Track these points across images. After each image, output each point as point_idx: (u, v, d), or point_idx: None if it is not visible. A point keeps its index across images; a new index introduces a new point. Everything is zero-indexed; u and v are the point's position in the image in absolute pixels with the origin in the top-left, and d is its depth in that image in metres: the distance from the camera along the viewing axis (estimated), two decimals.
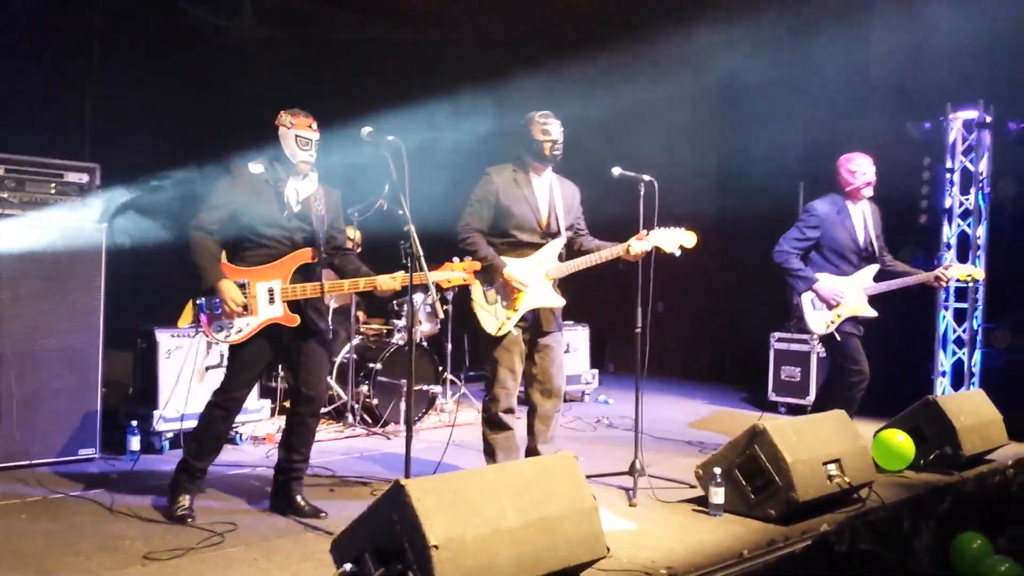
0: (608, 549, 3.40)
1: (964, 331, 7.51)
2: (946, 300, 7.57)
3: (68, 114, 6.74)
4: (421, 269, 3.66)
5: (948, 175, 7.44)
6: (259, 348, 4.14)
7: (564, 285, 7.14)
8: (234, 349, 4.19)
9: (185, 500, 4.11)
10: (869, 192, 5.61)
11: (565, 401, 7.86)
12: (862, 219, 5.63)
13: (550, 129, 4.65)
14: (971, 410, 5.63)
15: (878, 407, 5.97)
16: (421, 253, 3.66)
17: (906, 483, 5.18)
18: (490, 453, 4.65)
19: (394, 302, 6.86)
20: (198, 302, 4.09)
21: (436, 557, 2.83)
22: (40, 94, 6.64)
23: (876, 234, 5.67)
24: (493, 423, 4.67)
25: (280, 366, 4.37)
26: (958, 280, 5.81)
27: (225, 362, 4.30)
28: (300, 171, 4.14)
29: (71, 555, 3.57)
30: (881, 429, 5.54)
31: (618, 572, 3.52)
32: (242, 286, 4.06)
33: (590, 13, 9.13)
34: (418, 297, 6.80)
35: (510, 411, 4.68)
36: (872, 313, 5.55)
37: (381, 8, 8.62)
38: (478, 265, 4.34)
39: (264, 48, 8.10)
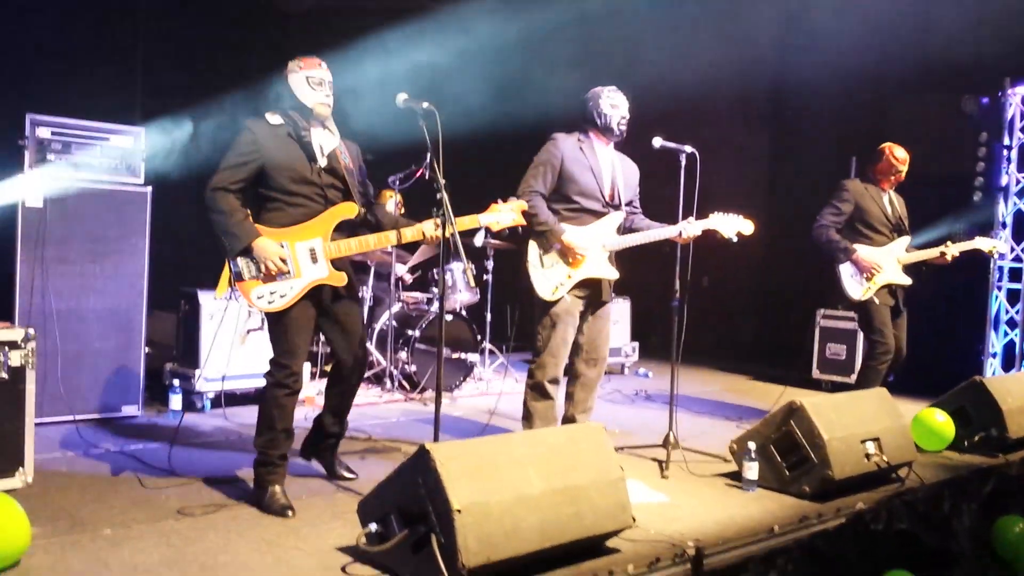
0: (634, 519, 3.39)
1: (1017, 312, 7.31)
2: (1000, 280, 7.38)
3: (116, 79, 6.80)
4: (455, 240, 3.61)
5: (1005, 152, 7.22)
6: (305, 312, 3.81)
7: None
8: (279, 316, 3.77)
9: (277, 491, 3.73)
10: (895, 184, 5.84)
11: (605, 373, 7.93)
12: (889, 201, 5.84)
13: (618, 103, 4.65)
14: (1019, 392, 5.48)
15: (926, 387, 5.87)
16: (454, 221, 3.62)
17: (948, 464, 5.07)
18: (528, 419, 4.64)
19: (434, 270, 6.87)
20: (234, 269, 3.72)
21: (459, 521, 2.84)
22: (88, 59, 6.70)
23: (905, 217, 5.85)
24: (537, 390, 4.64)
25: (322, 330, 4.04)
26: (988, 254, 5.88)
27: (267, 333, 3.89)
28: (319, 116, 3.85)
29: (105, 508, 3.65)
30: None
31: (645, 543, 3.50)
32: (280, 247, 3.73)
33: None
34: (458, 266, 6.83)
35: (555, 381, 4.66)
36: (907, 280, 5.75)
37: None
38: (525, 205, 4.27)
39: (310, 16, 8.09)
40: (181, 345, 5.78)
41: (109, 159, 5.21)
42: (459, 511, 2.85)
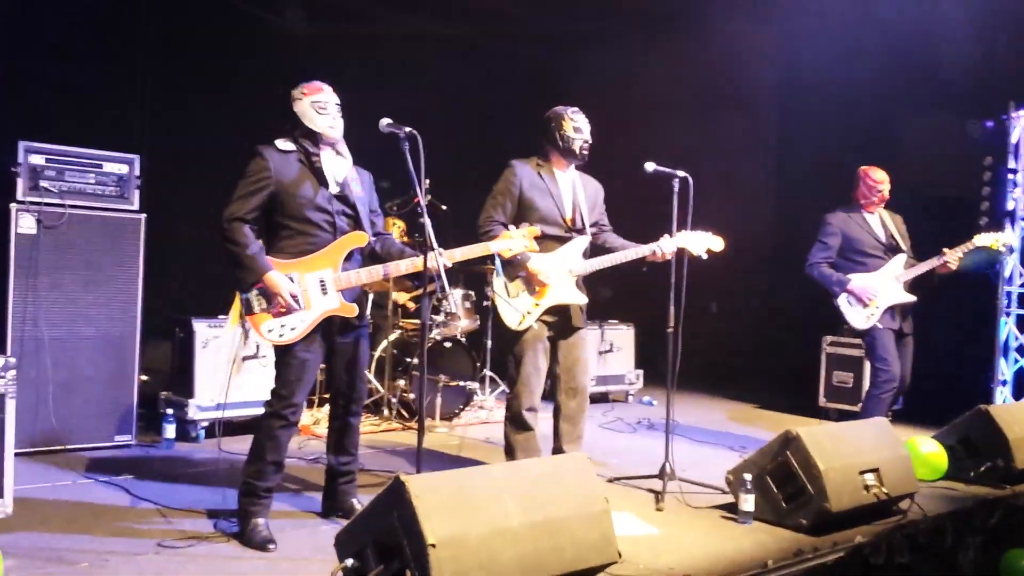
0: (620, 554, 3.30)
1: None
2: (1008, 306, 7.25)
3: (114, 107, 6.83)
4: (437, 261, 3.56)
5: (1011, 176, 7.12)
6: (314, 344, 3.77)
7: (610, 282, 7.05)
8: (287, 349, 3.73)
9: (260, 524, 3.68)
10: (882, 205, 5.81)
11: (608, 401, 7.86)
12: (879, 222, 5.80)
13: (581, 126, 4.60)
14: None
15: (936, 416, 5.75)
16: (435, 244, 3.58)
17: (953, 495, 4.95)
18: (510, 452, 4.59)
19: (435, 296, 6.82)
20: (244, 298, 3.69)
21: (433, 555, 2.77)
22: (87, 86, 6.73)
23: (901, 235, 5.79)
24: (515, 422, 4.60)
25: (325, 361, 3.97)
26: (992, 249, 5.73)
27: (266, 361, 3.90)
28: (328, 140, 3.82)
29: (86, 540, 3.59)
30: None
31: None
32: (290, 280, 3.71)
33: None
34: (457, 293, 6.79)
35: (533, 410, 4.61)
36: (910, 298, 5.68)
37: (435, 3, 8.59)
38: (537, 231, 4.22)
39: (313, 43, 8.13)
40: (175, 373, 5.74)
41: (103, 186, 5.21)
42: (433, 545, 2.77)
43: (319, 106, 3.80)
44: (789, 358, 9.34)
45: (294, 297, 3.69)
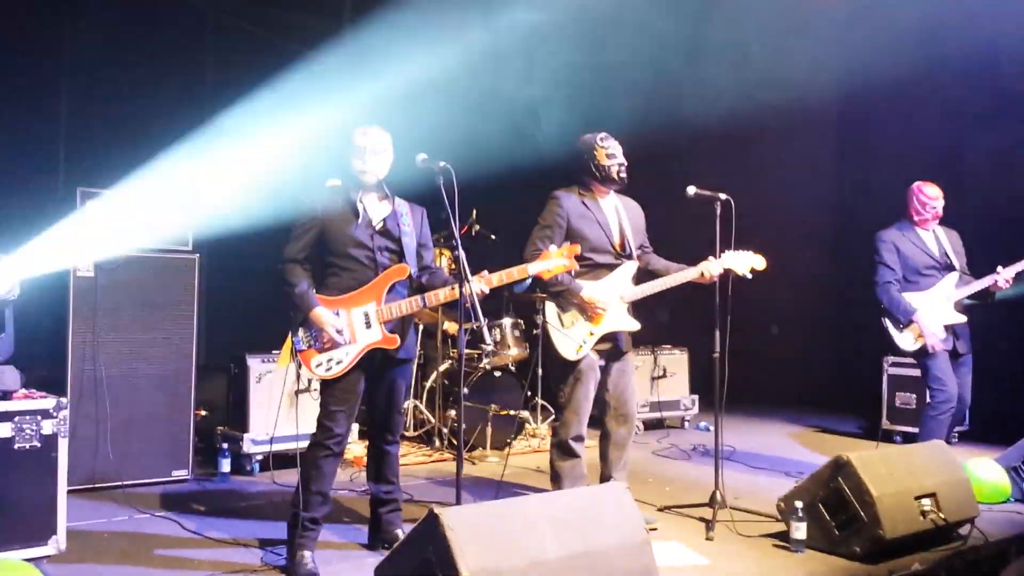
0: None
1: None
2: None
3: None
4: (471, 294, 3.60)
5: None
6: (356, 376, 3.90)
7: (664, 306, 6.99)
8: (333, 381, 3.88)
9: (306, 556, 3.75)
10: (936, 222, 5.64)
11: (663, 427, 7.77)
12: (934, 239, 5.63)
13: (614, 152, 4.59)
14: None
15: (1005, 436, 5.56)
16: (470, 276, 3.62)
17: (1017, 519, 4.78)
18: (556, 480, 4.56)
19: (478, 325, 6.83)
20: (294, 339, 3.87)
21: None
22: (144, 127, 6.94)
23: (955, 251, 5.63)
24: (562, 449, 4.58)
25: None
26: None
27: (317, 394, 4.05)
28: (364, 183, 3.93)
29: (139, 572, 3.69)
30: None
31: None
32: (336, 315, 3.85)
33: None
34: (507, 322, 6.80)
35: (580, 439, 4.58)
36: (961, 319, 5.48)
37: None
38: (577, 249, 4.21)
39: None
40: (230, 408, 5.86)
41: (158, 227, 5.36)
42: None
43: (358, 149, 3.91)
44: (852, 380, 9.14)
45: (339, 332, 3.81)
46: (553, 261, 4.06)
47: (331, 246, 3.91)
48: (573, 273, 4.47)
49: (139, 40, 7.11)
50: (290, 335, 3.88)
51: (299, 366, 3.87)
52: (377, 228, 3.95)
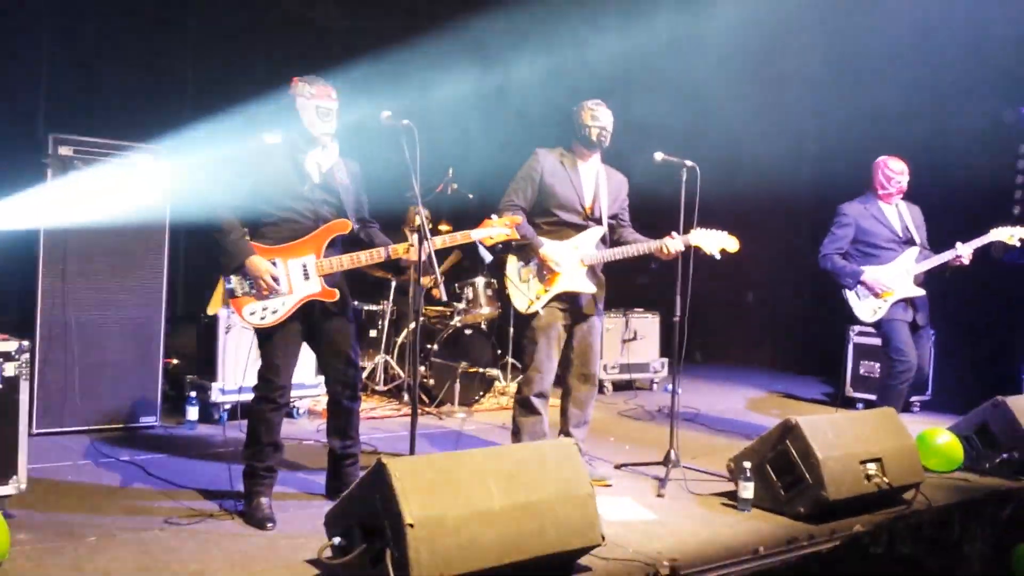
0: (603, 537, 3.35)
1: None
2: None
3: (143, 98, 7.00)
4: (429, 248, 3.67)
5: None
6: (295, 328, 3.91)
7: (642, 271, 7.05)
8: (268, 332, 3.87)
9: (263, 503, 3.82)
10: (899, 197, 5.71)
11: (632, 388, 7.89)
12: (896, 214, 5.71)
13: (599, 115, 4.63)
14: None
15: (964, 406, 5.69)
16: (428, 234, 3.68)
17: (963, 486, 4.91)
18: (516, 435, 4.66)
19: (456, 284, 6.91)
20: (227, 286, 3.84)
21: (411, 535, 2.85)
22: (115, 75, 6.91)
23: (917, 226, 5.71)
24: (524, 405, 4.66)
25: (310, 346, 4.10)
26: (1008, 244, 5.53)
27: (257, 347, 3.96)
28: (320, 143, 3.92)
29: (97, 516, 3.77)
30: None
31: (619, 562, 3.47)
32: (273, 264, 3.83)
33: None
34: (480, 281, 6.88)
35: (542, 396, 4.67)
36: (919, 292, 5.59)
37: None
38: (519, 219, 4.30)
39: (347, 36, 8.24)
40: (200, 357, 5.92)
41: (130, 176, 5.38)
42: (411, 525, 2.86)
43: (322, 111, 3.89)
44: (820, 347, 9.28)
45: (276, 280, 3.82)
46: (495, 229, 4.13)
47: (267, 197, 3.89)
48: (538, 230, 4.57)
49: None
50: (222, 280, 3.87)
51: (230, 312, 3.86)
52: (317, 182, 3.95)
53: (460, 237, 4.12)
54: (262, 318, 3.85)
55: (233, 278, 3.85)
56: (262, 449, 3.88)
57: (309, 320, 3.97)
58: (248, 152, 3.91)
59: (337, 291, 3.95)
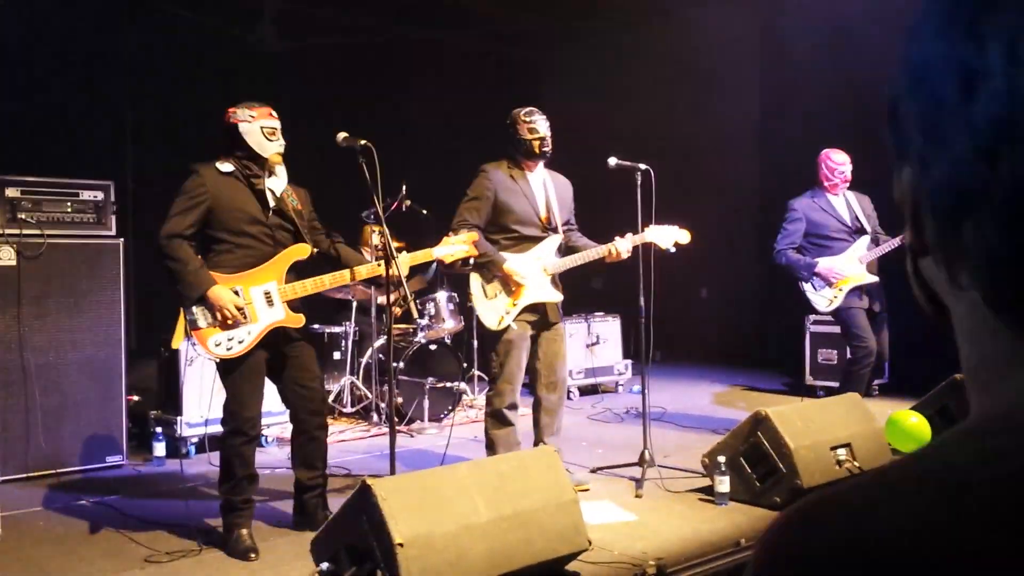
0: (590, 542, 3.39)
1: None
2: None
3: (85, 131, 6.92)
4: (396, 264, 3.66)
5: None
6: (260, 357, 3.83)
7: (598, 274, 7.03)
8: (235, 363, 3.79)
9: (244, 534, 3.76)
10: (846, 186, 5.86)
11: (598, 393, 7.94)
12: (845, 204, 5.87)
13: (537, 127, 4.65)
14: None
15: (922, 388, 5.83)
16: (394, 251, 3.68)
17: None
18: (491, 448, 4.67)
19: (417, 301, 6.90)
20: (188, 317, 3.73)
21: (402, 555, 2.86)
22: (59, 110, 6.82)
23: (867, 215, 5.85)
24: (497, 417, 4.68)
25: (270, 376, 4.01)
26: None
27: (220, 380, 3.88)
28: (273, 164, 3.86)
29: (75, 560, 3.71)
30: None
31: (607, 564, 3.51)
32: (235, 293, 3.76)
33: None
34: (442, 295, 6.88)
35: (514, 407, 4.69)
36: (873, 279, 5.76)
37: (406, 9, 8.65)
38: (476, 235, 4.33)
39: (285, 58, 8.22)
40: (163, 392, 5.84)
41: (80, 213, 5.30)
42: (401, 545, 2.87)
43: (268, 131, 3.86)
44: (778, 339, 9.44)
45: (240, 310, 3.74)
46: (456, 247, 4.16)
47: (223, 224, 3.81)
48: (498, 246, 4.59)
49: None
50: (183, 312, 3.76)
51: (193, 344, 3.78)
52: (272, 207, 3.90)
53: (421, 255, 4.12)
54: (228, 348, 3.77)
55: (195, 309, 3.74)
56: (239, 483, 3.83)
57: (275, 347, 3.92)
58: (203, 181, 3.82)
59: (303, 316, 3.92)
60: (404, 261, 3.92)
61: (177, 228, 3.75)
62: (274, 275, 3.87)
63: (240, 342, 3.78)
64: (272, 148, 3.87)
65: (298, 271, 3.98)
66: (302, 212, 4.03)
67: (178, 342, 3.91)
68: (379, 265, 3.89)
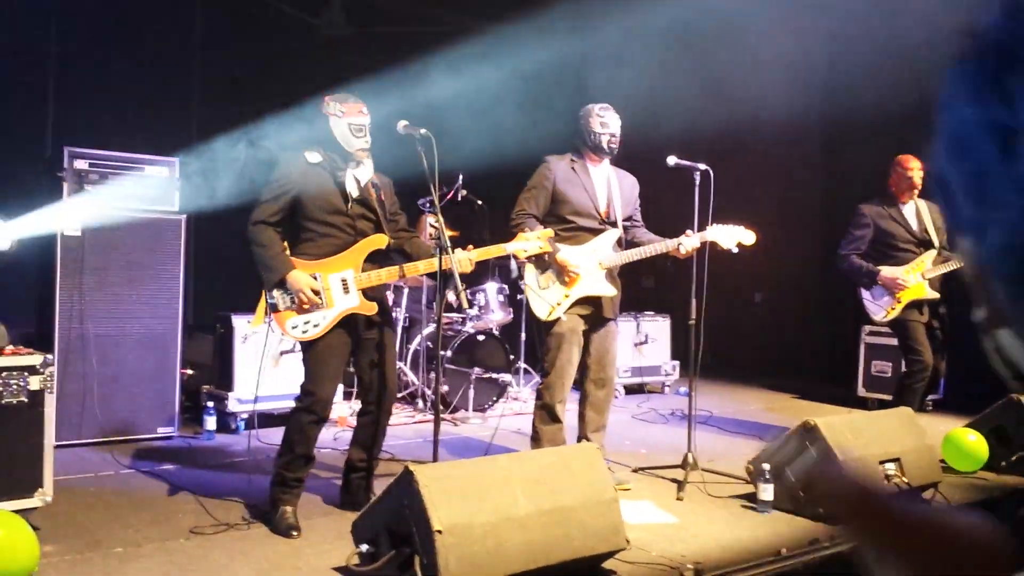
0: (628, 541, 3.38)
1: None
2: None
3: (153, 110, 7.06)
4: (450, 255, 3.69)
5: None
6: (337, 341, 3.93)
7: (650, 274, 6.99)
8: (311, 345, 3.92)
9: (288, 512, 3.83)
10: (915, 193, 5.70)
11: (644, 392, 7.91)
12: (914, 213, 5.71)
13: (608, 121, 4.65)
14: None
15: (976, 405, 5.71)
16: (448, 243, 3.70)
17: (981, 485, 4.91)
18: (536, 441, 4.66)
19: (467, 290, 6.93)
20: (269, 300, 3.87)
21: (440, 541, 2.88)
22: (133, 88, 6.96)
23: (937, 227, 5.68)
24: (546, 411, 4.67)
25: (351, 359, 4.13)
26: None
27: (301, 358, 4.05)
28: (357, 159, 3.98)
29: (122, 527, 3.79)
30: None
31: (644, 565, 3.49)
32: (313, 279, 3.88)
33: None
34: (492, 286, 6.90)
35: (564, 402, 4.68)
36: (934, 295, 5.60)
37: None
38: (551, 233, 4.34)
39: (354, 44, 8.29)
40: (216, 367, 5.95)
41: (145, 189, 5.41)
42: (440, 532, 2.89)
43: (355, 128, 3.96)
44: (832, 348, 9.29)
45: (316, 293, 3.85)
46: (530, 243, 4.17)
47: (307, 213, 3.93)
48: (556, 237, 4.58)
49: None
50: (264, 294, 3.91)
51: (273, 326, 3.91)
52: (355, 196, 3.99)
53: (494, 250, 4.17)
54: (304, 331, 3.89)
55: (275, 292, 3.88)
56: (296, 459, 3.92)
57: (354, 333, 4.02)
58: (291, 170, 3.95)
59: (376, 304, 4.00)
60: (474, 256, 3.99)
61: (263, 215, 3.89)
62: (352, 263, 3.96)
63: (316, 326, 3.89)
64: (357, 145, 3.97)
65: (378, 260, 4.06)
66: (384, 203, 4.10)
67: (258, 323, 4.01)
68: (448, 260, 3.90)
